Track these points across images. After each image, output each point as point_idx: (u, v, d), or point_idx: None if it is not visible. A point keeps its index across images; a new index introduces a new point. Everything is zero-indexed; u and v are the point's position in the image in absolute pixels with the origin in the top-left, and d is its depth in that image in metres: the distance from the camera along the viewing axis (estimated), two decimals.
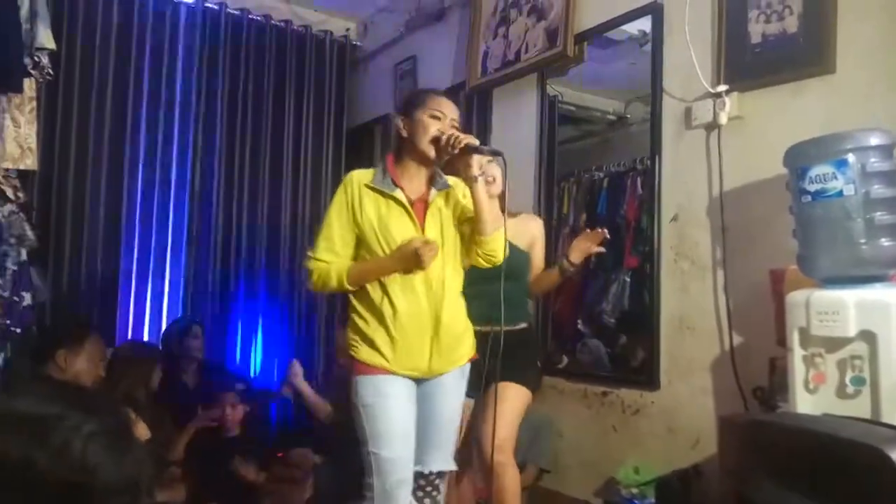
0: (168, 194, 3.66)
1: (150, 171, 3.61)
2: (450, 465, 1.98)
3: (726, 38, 2.35)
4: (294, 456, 3.07)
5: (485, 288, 2.15)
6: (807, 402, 1.71)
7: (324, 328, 4.06)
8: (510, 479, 2.13)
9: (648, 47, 2.78)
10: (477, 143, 1.87)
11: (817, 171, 1.72)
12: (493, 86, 3.34)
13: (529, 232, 2.40)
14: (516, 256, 2.27)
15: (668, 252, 2.53)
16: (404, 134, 1.93)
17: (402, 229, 1.88)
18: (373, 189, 1.90)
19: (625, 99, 3.15)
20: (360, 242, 1.91)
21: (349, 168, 4.10)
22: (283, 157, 4.04)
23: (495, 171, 2.25)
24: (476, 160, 1.87)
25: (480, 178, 1.88)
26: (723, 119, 2.32)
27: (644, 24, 2.72)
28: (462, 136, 1.85)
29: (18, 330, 2.04)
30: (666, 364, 2.50)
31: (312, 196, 4.11)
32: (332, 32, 4.26)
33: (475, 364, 2.08)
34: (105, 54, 3.47)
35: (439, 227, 1.94)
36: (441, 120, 1.90)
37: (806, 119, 2.11)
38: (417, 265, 1.83)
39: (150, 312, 3.57)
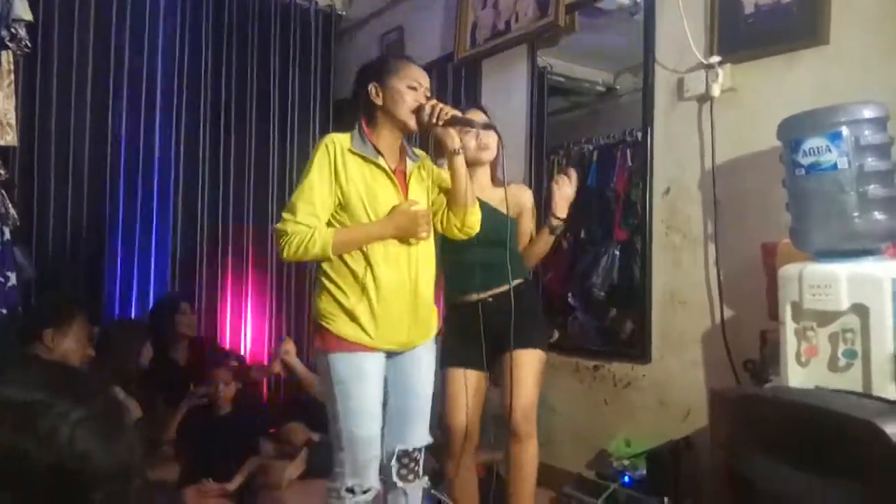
0: (153, 170, 3.58)
1: (133, 145, 3.52)
2: (429, 439, 1.96)
3: (719, 9, 2.32)
4: (286, 432, 3.07)
5: (480, 255, 2.15)
6: (798, 375, 1.72)
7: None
8: (533, 450, 2.14)
9: (639, 17, 2.73)
10: (460, 114, 1.84)
11: (811, 143, 1.71)
12: (483, 57, 3.29)
13: (519, 202, 2.36)
14: (502, 221, 2.23)
15: (659, 226, 2.52)
16: (378, 102, 1.86)
17: (387, 197, 1.84)
18: (355, 154, 1.83)
19: (614, 70, 3.11)
20: (341, 208, 1.82)
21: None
22: (270, 129, 3.97)
23: (489, 138, 2.22)
24: (457, 133, 1.85)
25: (462, 151, 1.86)
26: (715, 91, 2.29)
27: None
28: (446, 107, 1.82)
29: (4, 311, 2.00)
30: (657, 337, 2.51)
31: (300, 169, 4.03)
32: (316, 2, 4.16)
33: (485, 335, 2.08)
34: (84, 25, 3.36)
35: (420, 196, 1.92)
36: (417, 90, 1.85)
37: (800, 91, 2.09)
38: (413, 233, 1.80)
39: (137, 289, 3.52)
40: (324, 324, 1.85)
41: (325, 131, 4.11)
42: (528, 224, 2.37)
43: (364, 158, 1.83)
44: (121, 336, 2.76)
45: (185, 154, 3.68)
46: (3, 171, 2.06)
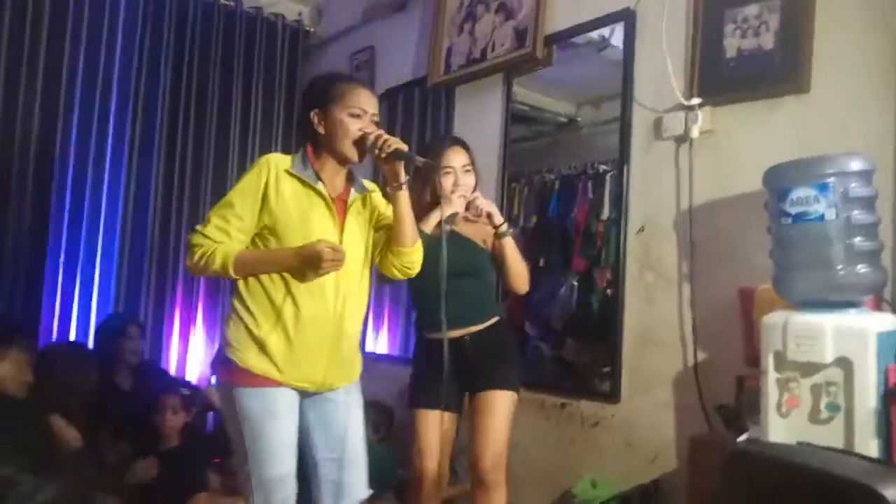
0: (101, 183, 3.38)
1: (81, 158, 3.31)
2: (368, 490, 1.82)
3: (701, 51, 2.32)
4: (232, 464, 2.91)
5: (456, 287, 2.05)
6: (779, 426, 1.70)
7: None
8: (501, 500, 2.04)
9: (607, 53, 2.76)
10: (406, 148, 1.73)
11: (799, 193, 1.70)
12: (456, 83, 3.24)
13: (489, 231, 2.29)
14: (477, 253, 2.20)
15: (632, 263, 2.50)
16: (320, 130, 1.76)
17: (322, 226, 1.72)
18: (293, 176, 1.72)
19: (576, 101, 3.13)
20: (269, 233, 1.72)
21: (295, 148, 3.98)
22: (229, 145, 3.82)
23: (469, 179, 2.19)
24: (402, 167, 1.74)
25: (406, 185, 1.76)
26: (695, 132, 2.29)
27: (607, 30, 2.69)
28: (391, 139, 1.71)
29: None
30: (627, 377, 2.48)
31: None
32: (284, 16, 4.06)
33: (453, 373, 1.99)
34: (37, 28, 3.17)
35: (358, 229, 1.81)
36: (361, 118, 1.76)
37: (779, 137, 2.10)
38: (314, 270, 1.65)
39: (78, 310, 3.30)
40: (229, 354, 1.71)
41: (287, 149, 4.00)
42: None
43: (302, 182, 1.72)
44: (63, 360, 2.57)
45: (137, 167, 3.49)
46: None
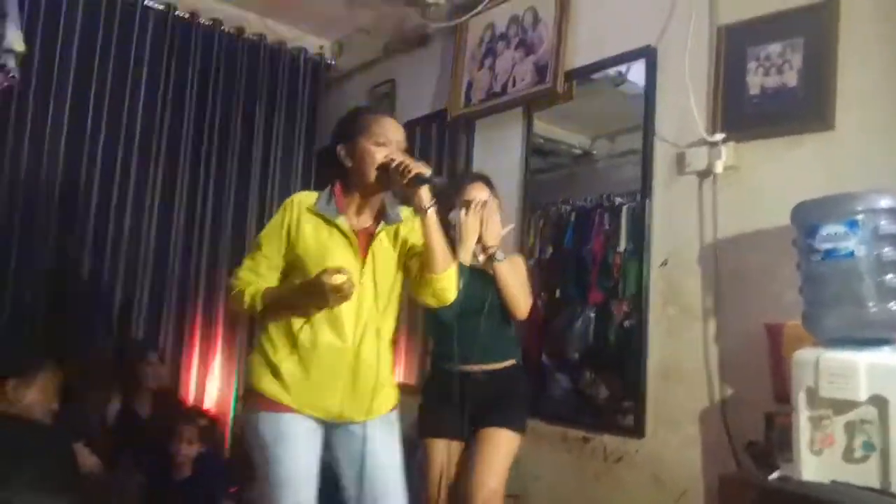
0: (124, 211, 3.43)
1: (106, 188, 3.37)
2: None
3: (724, 88, 2.35)
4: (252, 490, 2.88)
5: (466, 324, 2.08)
6: (812, 465, 1.68)
7: None
8: None
9: (624, 87, 2.81)
10: (428, 172, 1.72)
11: (829, 229, 1.70)
12: (476, 117, 3.29)
13: (516, 271, 2.31)
14: (487, 291, 2.20)
15: (655, 297, 2.50)
16: (347, 163, 1.79)
17: (341, 259, 1.73)
18: (315, 214, 1.78)
19: (591, 134, 3.16)
20: (294, 269, 1.76)
21: (318, 189, 4.03)
22: (250, 176, 3.87)
23: (484, 194, 2.21)
24: (426, 191, 1.73)
25: (431, 210, 1.74)
26: (718, 167, 2.30)
27: (624, 65, 2.74)
28: (412, 164, 1.71)
29: None
30: (652, 412, 2.45)
31: None
32: (306, 50, 4.13)
33: (462, 407, 1.99)
34: (66, 61, 3.24)
35: (381, 261, 1.81)
36: (387, 146, 1.78)
37: (804, 173, 2.11)
38: (323, 304, 1.68)
39: (99, 334, 3.31)
40: (249, 379, 1.78)
41: (307, 180, 4.06)
42: None
43: (323, 219, 1.77)
44: (86, 384, 2.58)
45: (160, 196, 3.54)
46: None
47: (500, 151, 3.17)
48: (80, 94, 3.30)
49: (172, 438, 2.73)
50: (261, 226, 3.77)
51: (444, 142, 3.48)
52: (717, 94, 2.36)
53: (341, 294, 1.65)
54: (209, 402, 3.64)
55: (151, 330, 3.45)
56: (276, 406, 1.71)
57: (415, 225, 1.84)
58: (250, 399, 1.77)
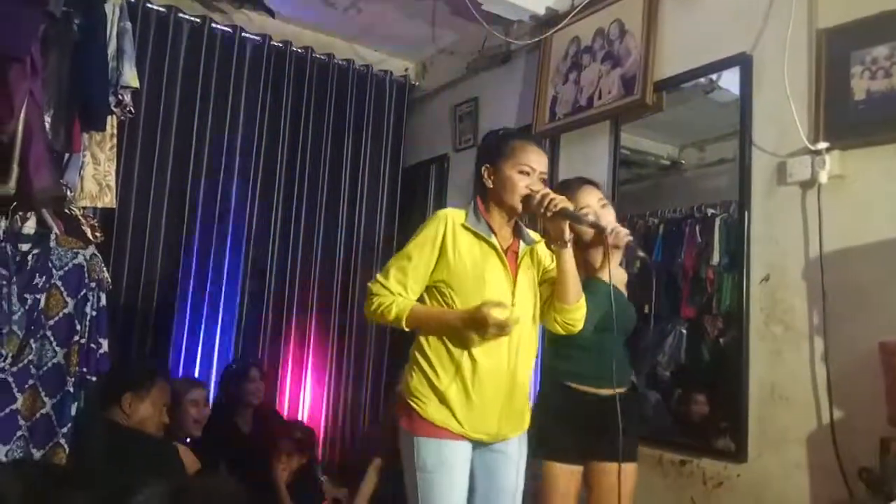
0: (226, 233, 3.61)
1: (209, 209, 3.56)
2: None
3: (826, 94, 2.24)
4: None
5: (616, 345, 2.02)
6: None
7: (371, 374, 3.96)
8: None
9: (714, 94, 2.73)
10: (571, 207, 1.77)
11: None
12: (562, 131, 3.27)
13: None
14: (633, 314, 2.19)
15: (757, 314, 2.39)
16: (489, 184, 1.84)
17: (496, 278, 1.78)
18: (469, 230, 1.80)
19: (679, 143, 3.07)
20: (445, 285, 1.78)
21: (403, 207, 4.11)
22: (340, 196, 4.00)
23: (610, 215, 2.14)
24: (567, 225, 1.77)
25: (570, 244, 1.78)
26: (823, 177, 2.19)
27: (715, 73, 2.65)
28: (557, 198, 1.75)
29: (94, 378, 1.98)
30: (755, 434, 2.34)
31: (365, 236, 4.05)
32: (391, 72, 4.24)
33: (591, 430, 1.97)
34: (171, 91, 3.46)
35: (527, 281, 1.86)
36: (530, 175, 1.81)
37: None
38: (480, 333, 1.70)
39: (202, 351, 3.49)
40: (413, 404, 1.78)
41: (392, 199, 4.15)
42: None
43: (476, 235, 1.79)
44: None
45: (258, 216, 3.71)
46: (99, 234, 2.07)
47: (585, 164, 3.13)
48: (185, 121, 3.50)
49: (273, 453, 2.84)
50: (349, 243, 3.94)
51: None
52: (818, 100, 2.25)
53: (503, 330, 1.68)
54: (303, 414, 3.76)
55: (251, 346, 3.60)
56: (442, 432, 1.74)
57: (544, 248, 1.90)
58: (414, 423, 1.77)
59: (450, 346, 1.76)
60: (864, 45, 2.16)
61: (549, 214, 1.74)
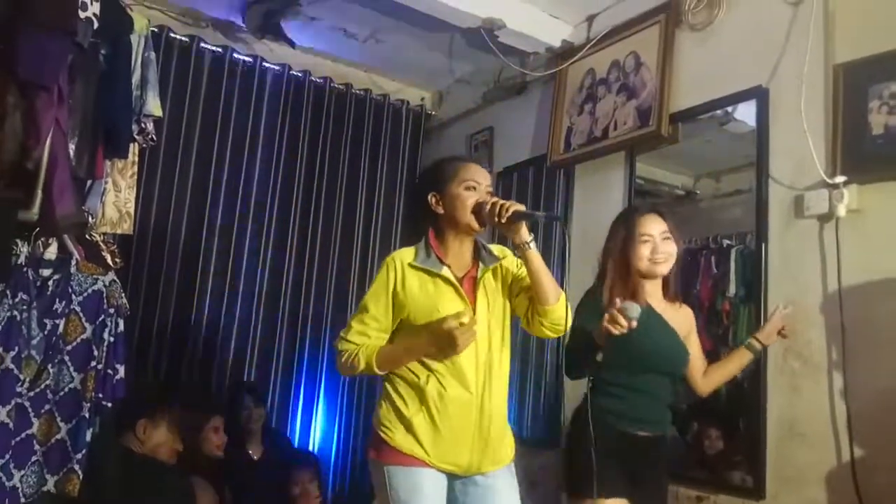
0: (241, 260, 3.63)
1: (225, 236, 3.59)
2: None
3: (843, 128, 2.24)
4: None
5: (653, 381, 1.98)
6: None
7: None
8: None
9: (729, 126, 2.74)
10: (524, 208, 1.74)
11: None
12: (577, 161, 3.28)
13: (687, 320, 2.21)
14: (683, 353, 2.11)
15: (775, 348, 2.36)
16: (439, 210, 1.83)
17: (454, 308, 1.75)
18: (417, 269, 1.79)
19: (694, 174, 3.07)
20: (406, 326, 1.79)
21: (418, 236, 4.11)
22: (355, 223, 4.02)
23: (669, 247, 2.08)
24: (525, 227, 1.73)
25: (533, 245, 1.74)
26: (841, 211, 2.18)
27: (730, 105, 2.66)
28: (507, 202, 1.73)
29: (109, 404, 1.99)
30: (772, 471, 2.30)
31: (380, 264, 4.04)
32: (408, 101, 4.29)
33: (627, 472, 1.93)
34: (192, 118, 3.51)
35: (491, 303, 1.83)
36: (476, 189, 1.81)
37: None
38: (451, 348, 1.68)
39: (216, 377, 3.49)
40: (381, 433, 1.77)
41: (407, 225, 4.15)
42: (696, 347, 2.22)
43: (427, 272, 1.78)
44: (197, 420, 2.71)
45: (273, 247, 3.73)
46: (119, 260, 2.10)
47: (600, 195, 3.14)
48: (205, 148, 3.54)
49: (288, 482, 2.82)
50: (363, 270, 3.95)
51: (541, 187, 3.50)
52: (835, 134, 2.26)
53: (469, 332, 1.68)
54: (312, 445, 3.74)
55: (263, 375, 3.60)
56: (410, 460, 1.73)
57: (512, 260, 1.88)
58: (383, 452, 1.76)
59: (416, 374, 1.76)
60: (881, 79, 2.16)
61: (503, 221, 1.71)
